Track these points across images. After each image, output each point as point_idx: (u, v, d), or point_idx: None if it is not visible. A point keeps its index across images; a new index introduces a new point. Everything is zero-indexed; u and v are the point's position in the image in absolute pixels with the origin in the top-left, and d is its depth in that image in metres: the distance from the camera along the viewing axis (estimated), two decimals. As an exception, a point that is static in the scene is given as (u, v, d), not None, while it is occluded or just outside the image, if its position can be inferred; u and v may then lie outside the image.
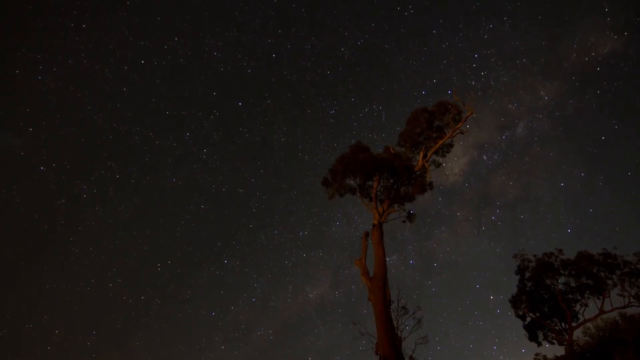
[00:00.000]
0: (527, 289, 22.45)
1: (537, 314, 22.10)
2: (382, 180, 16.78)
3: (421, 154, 17.39)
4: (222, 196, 42.86)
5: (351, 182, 16.92)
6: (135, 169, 40.95)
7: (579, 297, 21.29)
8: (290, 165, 45.00)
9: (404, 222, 17.58)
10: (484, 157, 42.49)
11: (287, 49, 42.98)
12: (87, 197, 37.65)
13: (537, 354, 22.04)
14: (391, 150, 17.74)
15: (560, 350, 21.44)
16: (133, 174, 40.68)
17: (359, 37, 43.19)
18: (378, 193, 16.74)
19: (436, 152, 17.67)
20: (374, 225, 15.51)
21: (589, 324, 20.83)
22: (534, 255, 22.61)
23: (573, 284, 21.28)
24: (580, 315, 21.20)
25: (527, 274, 22.58)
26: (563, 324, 21.45)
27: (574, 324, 20.72)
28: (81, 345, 35.11)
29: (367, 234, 15.54)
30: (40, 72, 34.70)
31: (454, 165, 41.61)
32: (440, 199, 43.01)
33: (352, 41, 42.90)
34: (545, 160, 42.04)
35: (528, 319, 22.58)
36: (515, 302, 22.80)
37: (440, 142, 17.20)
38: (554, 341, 21.47)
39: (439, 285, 38.94)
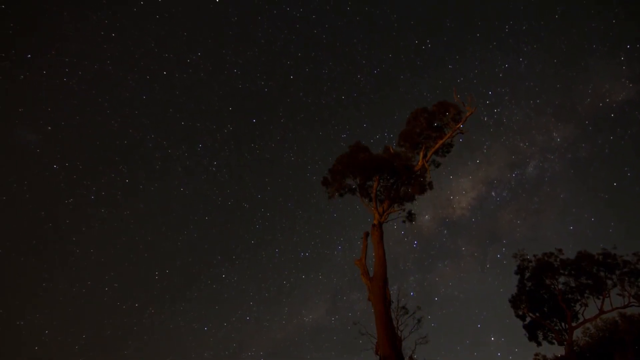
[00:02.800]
0: (527, 289, 22.44)
1: (537, 314, 22.09)
2: (382, 180, 16.76)
3: (421, 153, 17.36)
4: (227, 209, 43.47)
5: (351, 182, 16.91)
6: (145, 175, 41.56)
7: (579, 297, 21.28)
8: (298, 184, 45.34)
9: (403, 222, 17.58)
10: (493, 193, 42.33)
11: (305, 72, 44.31)
12: (94, 199, 37.89)
13: (537, 354, 22.06)
14: (391, 150, 17.72)
15: (560, 350, 21.46)
16: (142, 179, 41.27)
17: (376, 66, 44.39)
18: (378, 193, 16.72)
19: (436, 152, 17.64)
20: (374, 225, 15.47)
21: (588, 324, 20.84)
22: (534, 255, 22.65)
23: (573, 284, 21.28)
24: (580, 315, 21.21)
25: (527, 274, 22.57)
26: (563, 324, 21.44)
27: (573, 324, 20.71)
28: (70, 347, 35.05)
29: (367, 234, 15.51)
30: (66, 74, 35.72)
31: (461, 199, 41.56)
32: (445, 231, 43.11)
33: (369, 69, 44.00)
34: (555, 202, 41.75)
35: (528, 319, 22.58)
36: (515, 302, 22.79)
37: (440, 142, 17.17)
38: (554, 341, 21.48)
39: (438, 320, 38.07)
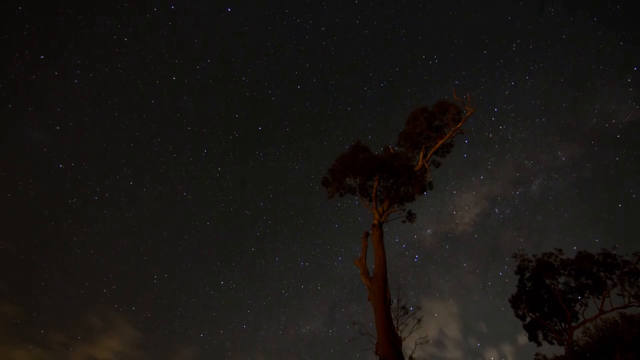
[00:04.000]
0: (527, 289, 22.44)
1: (537, 314, 22.09)
2: (382, 180, 16.77)
3: (421, 153, 17.37)
4: (229, 216, 43.82)
5: (351, 182, 16.92)
6: (150, 178, 42.08)
7: (579, 297, 21.29)
8: (300, 194, 45.68)
9: (403, 222, 17.58)
10: (496, 209, 42.25)
11: (312, 82, 44.92)
12: (98, 200, 38.29)
13: (537, 354, 22.02)
14: (391, 150, 17.73)
15: (560, 350, 21.45)
16: (146, 183, 41.89)
17: (383, 79, 44.96)
18: (378, 193, 16.73)
19: (436, 152, 17.66)
20: (374, 225, 15.47)
21: (588, 324, 20.82)
22: (534, 256, 22.64)
23: (573, 284, 21.29)
24: (580, 315, 21.21)
25: (527, 274, 22.57)
26: (563, 324, 21.45)
27: (573, 324, 20.71)
28: (63, 349, 35.22)
29: (367, 234, 15.50)
30: (77, 76, 36.32)
31: (464, 214, 41.59)
32: (447, 246, 43.20)
33: (375, 82, 44.46)
34: (558, 221, 41.45)
35: (528, 319, 22.58)
36: (515, 302, 22.79)
37: (440, 142, 17.18)
38: (554, 341, 21.47)
39: (438, 337, 38.36)
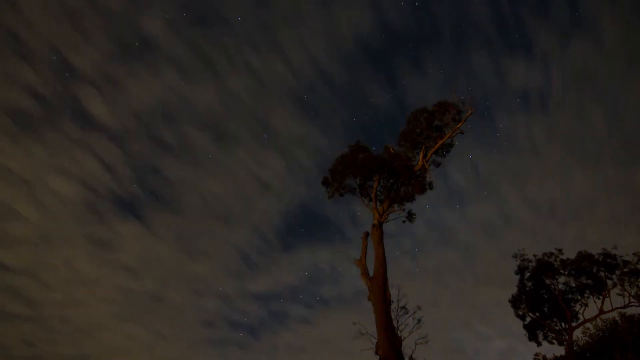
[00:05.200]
0: (527, 289, 22.42)
1: (537, 314, 22.07)
2: (382, 180, 16.75)
3: (421, 153, 17.35)
4: (230, 220, 43.37)
5: (351, 182, 16.90)
6: (151, 180, 41.78)
7: (579, 297, 21.26)
8: (304, 199, 46.04)
9: (403, 222, 17.58)
10: (498, 222, 42.89)
11: (319, 92, 44.71)
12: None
13: (537, 354, 22.02)
14: (391, 150, 17.71)
15: (560, 350, 21.43)
16: (148, 185, 41.40)
17: (389, 92, 46.22)
18: (378, 193, 16.71)
19: (436, 152, 17.63)
20: (374, 225, 15.46)
21: (588, 324, 20.82)
22: (534, 255, 22.60)
23: (573, 284, 21.27)
24: (580, 315, 21.19)
25: (527, 274, 22.56)
26: (563, 324, 21.43)
27: (573, 324, 20.70)
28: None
29: (367, 234, 15.49)
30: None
31: (466, 228, 41.74)
32: (449, 256, 43.36)
33: (382, 94, 44.81)
34: (561, 234, 42.20)
35: (528, 319, 22.57)
36: (515, 302, 22.77)
37: (440, 142, 17.16)
38: (554, 341, 21.46)
39: (437, 355, 38.56)
